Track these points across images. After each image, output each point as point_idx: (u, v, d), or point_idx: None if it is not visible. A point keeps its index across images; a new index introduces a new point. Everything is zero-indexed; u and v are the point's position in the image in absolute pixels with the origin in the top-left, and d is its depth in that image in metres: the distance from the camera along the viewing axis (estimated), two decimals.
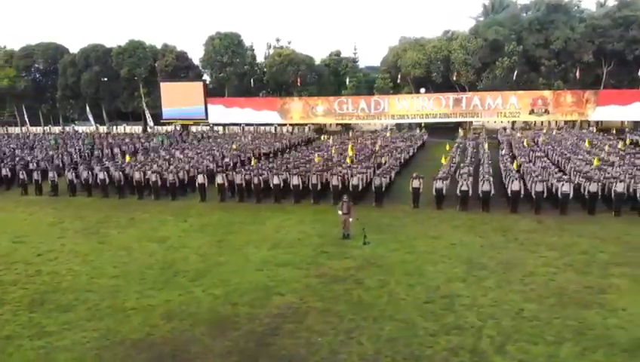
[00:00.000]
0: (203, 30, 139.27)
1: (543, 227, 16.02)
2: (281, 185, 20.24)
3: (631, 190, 17.24)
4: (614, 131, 39.13)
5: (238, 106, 50.20)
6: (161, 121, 53.94)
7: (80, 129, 61.24)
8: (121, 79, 59.44)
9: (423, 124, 44.81)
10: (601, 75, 46.98)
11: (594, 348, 8.47)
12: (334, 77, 57.89)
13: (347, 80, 53.56)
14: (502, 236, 15.09)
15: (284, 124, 48.77)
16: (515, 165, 19.61)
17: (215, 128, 52.04)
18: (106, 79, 58.62)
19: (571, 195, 17.32)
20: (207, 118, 51.23)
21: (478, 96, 44.08)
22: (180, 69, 59.37)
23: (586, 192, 17.40)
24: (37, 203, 22.16)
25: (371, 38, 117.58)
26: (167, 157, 27.71)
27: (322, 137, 36.68)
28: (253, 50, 58.97)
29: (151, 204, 20.88)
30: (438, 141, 36.83)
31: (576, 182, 18.63)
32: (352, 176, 19.73)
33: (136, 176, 21.87)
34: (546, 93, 42.94)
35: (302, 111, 48.37)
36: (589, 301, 10.31)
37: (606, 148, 24.39)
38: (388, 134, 36.25)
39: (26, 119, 63.86)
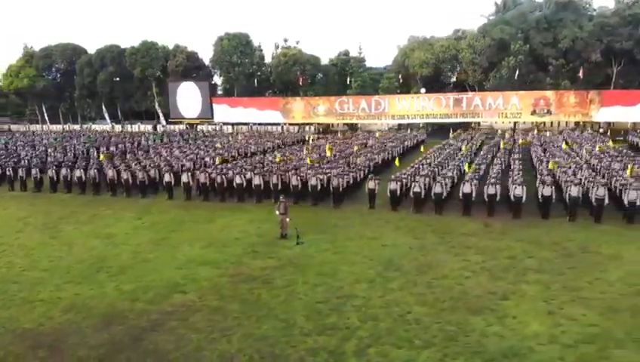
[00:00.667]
0: (215, 31, 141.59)
1: (487, 230, 15.73)
2: (244, 184, 20.51)
3: (590, 194, 16.74)
4: (608, 133, 37.84)
5: (242, 106, 50.95)
6: (169, 120, 55.25)
7: (96, 127, 63.41)
8: (135, 79, 61.15)
9: (421, 125, 44.39)
10: (610, 74, 45.48)
11: (456, 354, 8.34)
12: (340, 77, 57.96)
13: (352, 80, 53.50)
14: (439, 238, 14.91)
15: (293, 124, 49.21)
16: (466, 167, 19.27)
17: (224, 127, 52.94)
18: (117, 79, 60.24)
19: (524, 198, 16.95)
20: (212, 118, 52.12)
21: (478, 97, 43.47)
22: (191, 69, 60.62)
23: (539, 195, 17.00)
24: (18, 198, 23.17)
25: (384, 38, 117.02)
26: (153, 155, 28.45)
27: (307, 137, 36.64)
28: (262, 50, 59.73)
29: (120, 202, 21.50)
30: (439, 142, 36.45)
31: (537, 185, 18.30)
32: (311, 176, 19.81)
33: (109, 174, 22.57)
34: (549, 93, 41.90)
35: (303, 111, 48.68)
36: (482, 306, 10.12)
37: (584, 150, 23.64)
38: (377, 134, 36.10)
39: (46, 117, 66.50)
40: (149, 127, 59.97)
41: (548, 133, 35.28)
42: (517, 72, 44.32)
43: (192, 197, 21.35)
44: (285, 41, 59.82)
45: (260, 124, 49.51)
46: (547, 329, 9.16)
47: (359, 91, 51.64)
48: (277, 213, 15.26)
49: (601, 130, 43.31)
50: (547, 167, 20.23)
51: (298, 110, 48.90)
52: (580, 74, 41.96)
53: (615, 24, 43.02)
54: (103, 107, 63.38)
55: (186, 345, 8.87)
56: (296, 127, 49.36)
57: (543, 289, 10.98)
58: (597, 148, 23.79)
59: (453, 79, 49.24)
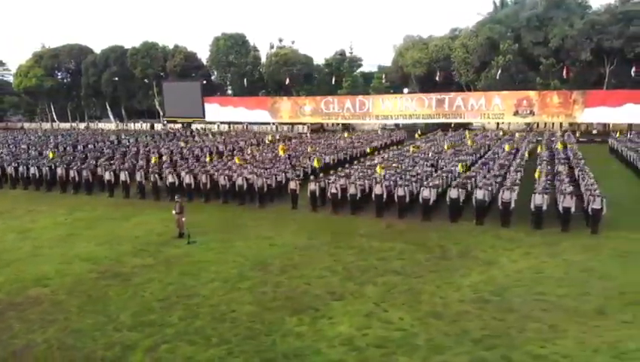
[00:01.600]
0: (218, 31, 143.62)
1: (386, 232, 15.82)
2: (176, 183, 21.06)
3: (504, 198, 16.53)
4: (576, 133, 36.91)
5: (232, 105, 51.78)
6: (164, 119, 56.64)
7: (102, 126, 65.53)
8: (137, 79, 62.70)
9: (400, 125, 44.18)
10: (604, 74, 44.15)
11: (240, 353, 8.55)
12: (331, 76, 57.83)
13: (342, 79, 53.60)
14: (332, 239, 15.05)
15: (284, 123, 49.73)
16: (378, 169, 19.23)
17: (222, 126, 53.95)
18: (117, 79, 61.81)
19: (432, 201, 16.91)
20: (204, 117, 53.12)
21: (461, 97, 42.93)
22: (190, 68, 61.69)
23: (447, 198, 16.92)
24: None
25: (387, 38, 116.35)
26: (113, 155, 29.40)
27: (267, 138, 36.49)
28: (257, 50, 60.31)
29: (65, 199, 22.40)
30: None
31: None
32: (237, 176, 20.20)
33: (58, 171, 23.54)
34: (532, 93, 41.07)
35: (290, 110, 49.13)
36: (309, 306, 10.28)
37: (526, 154, 23.21)
38: (346, 135, 36.16)
39: (54, 116, 69.01)
40: (150, 127, 61.70)
41: (516, 135, 34.47)
42: (501, 72, 43.47)
43: (130, 195, 22.08)
44: (280, 40, 60.26)
45: (255, 123, 50.44)
46: (352, 331, 9.29)
47: (349, 91, 51.70)
48: (173, 212, 15.72)
49: (594, 132, 42.27)
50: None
51: (285, 110, 49.40)
52: (564, 74, 40.88)
53: (605, 22, 41.73)
54: (107, 106, 65.36)
55: (5, 333, 9.42)
56: (290, 127, 50.08)
57: (384, 292, 11.08)
58: (538, 149, 23.28)
59: (441, 79, 48.35)
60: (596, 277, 11.81)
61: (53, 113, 68.60)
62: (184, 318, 9.94)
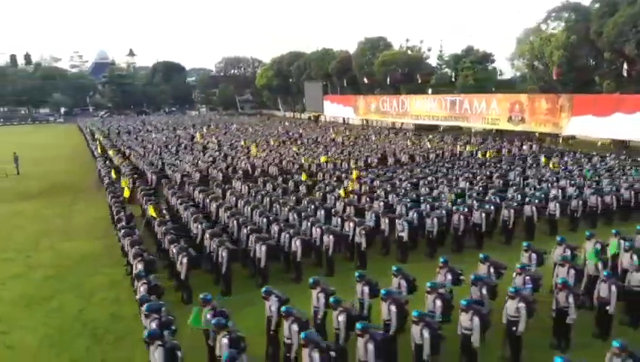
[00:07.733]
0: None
1: None
2: None
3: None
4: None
5: (336, 102, 61.23)
6: (306, 112, 70.93)
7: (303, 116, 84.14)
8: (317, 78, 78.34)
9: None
10: None
11: None
12: (453, 73, 57.80)
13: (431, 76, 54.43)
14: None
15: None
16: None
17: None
18: (291, 80, 78.87)
19: None
20: (323, 112, 64.55)
21: (467, 99, 40.36)
22: (342, 70, 72.81)
23: None
24: None
25: None
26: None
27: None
28: (389, 51, 66.03)
29: None
30: None
31: None
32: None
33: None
34: (522, 97, 35.52)
35: (364, 108, 55.12)
36: None
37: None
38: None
39: (280, 107, 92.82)
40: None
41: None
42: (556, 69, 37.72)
43: None
44: (407, 40, 63.87)
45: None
46: None
47: (436, 89, 52.31)
48: None
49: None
50: None
51: (362, 107, 55.22)
52: (554, 74, 32.93)
53: None
54: (303, 101, 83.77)
55: None
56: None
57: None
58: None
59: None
60: None
61: (279, 105, 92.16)
62: None
